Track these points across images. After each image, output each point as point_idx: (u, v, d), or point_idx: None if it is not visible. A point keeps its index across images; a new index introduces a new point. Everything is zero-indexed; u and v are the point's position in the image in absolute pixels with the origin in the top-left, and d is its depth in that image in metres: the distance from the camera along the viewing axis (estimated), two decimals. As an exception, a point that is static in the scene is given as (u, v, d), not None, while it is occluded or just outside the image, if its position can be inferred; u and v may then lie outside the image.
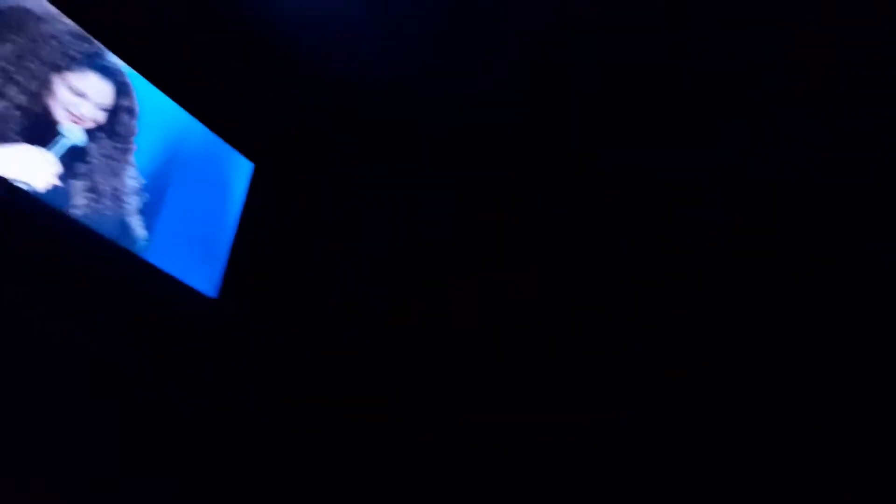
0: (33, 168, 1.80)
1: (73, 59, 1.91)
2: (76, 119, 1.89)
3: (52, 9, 1.86)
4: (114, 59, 2.01)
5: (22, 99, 1.78)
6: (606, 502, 2.04)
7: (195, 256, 2.14)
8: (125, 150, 2.01)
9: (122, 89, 2.01)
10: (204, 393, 2.02)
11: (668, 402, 2.34)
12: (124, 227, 1.99)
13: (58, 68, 1.87)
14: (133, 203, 2.01)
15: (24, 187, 1.79)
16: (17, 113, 1.77)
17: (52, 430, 1.73)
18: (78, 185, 1.89)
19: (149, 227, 2.04)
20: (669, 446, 2.19)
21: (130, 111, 2.03)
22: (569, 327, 2.56)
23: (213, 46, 2.31)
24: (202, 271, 2.13)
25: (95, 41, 1.96)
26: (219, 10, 2.25)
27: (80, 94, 1.91)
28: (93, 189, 1.92)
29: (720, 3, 2.00)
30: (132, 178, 2.02)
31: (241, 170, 2.34)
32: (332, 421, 2.11)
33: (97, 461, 1.77)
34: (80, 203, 1.89)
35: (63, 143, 1.86)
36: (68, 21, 1.89)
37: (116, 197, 1.98)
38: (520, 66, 2.30)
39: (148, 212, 2.04)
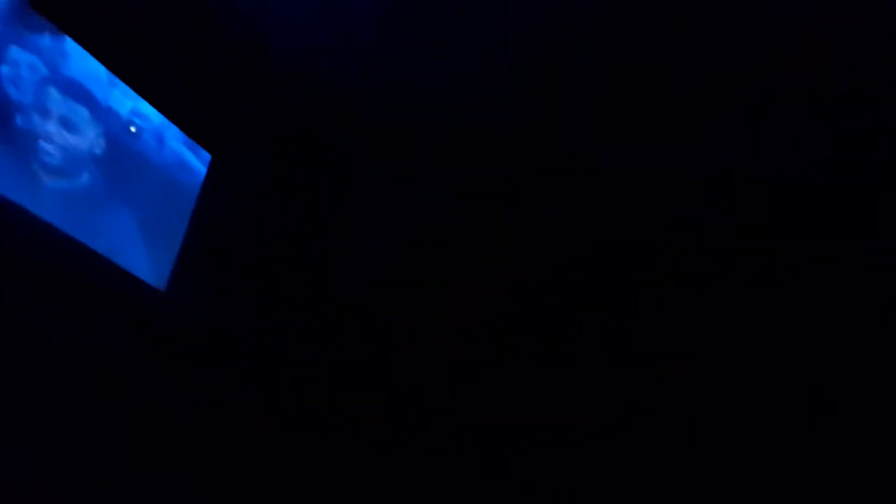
0: None
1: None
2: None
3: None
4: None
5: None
6: (606, 502, 2.04)
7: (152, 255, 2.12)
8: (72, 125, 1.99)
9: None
10: (204, 393, 2.02)
11: (668, 402, 2.34)
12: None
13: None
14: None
15: None
16: None
17: (52, 430, 1.73)
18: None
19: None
20: (669, 446, 2.19)
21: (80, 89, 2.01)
22: (569, 327, 2.56)
23: (210, 47, 2.30)
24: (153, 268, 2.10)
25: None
26: (217, 11, 2.24)
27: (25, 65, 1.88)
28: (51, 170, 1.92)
29: (720, 3, 2.00)
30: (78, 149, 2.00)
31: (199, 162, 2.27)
32: (332, 421, 2.11)
33: (97, 461, 1.77)
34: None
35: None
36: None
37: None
38: (520, 65, 2.30)
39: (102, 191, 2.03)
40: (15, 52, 1.86)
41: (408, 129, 2.59)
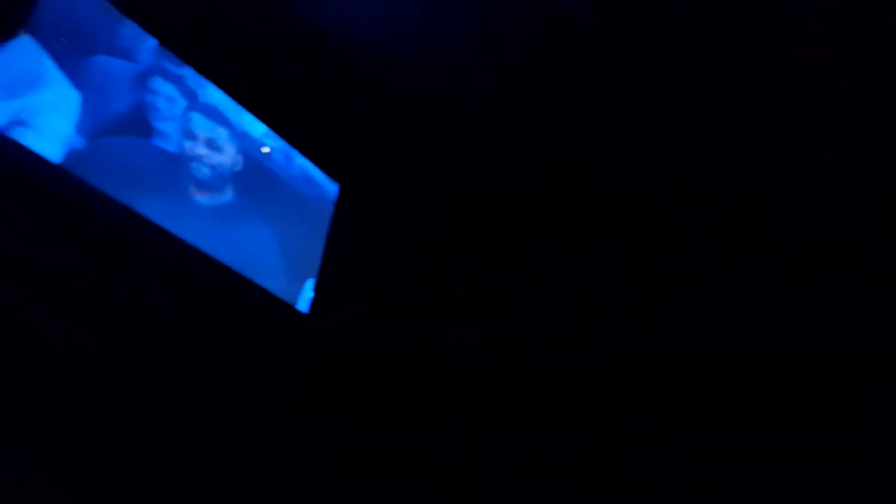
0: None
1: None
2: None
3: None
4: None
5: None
6: (606, 502, 2.04)
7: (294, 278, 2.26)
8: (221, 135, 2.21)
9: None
10: (204, 393, 2.02)
11: (668, 402, 2.34)
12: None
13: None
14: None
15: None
16: None
17: (52, 430, 1.73)
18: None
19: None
20: (669, 446, 2.19)
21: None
22: (569, 327, 2.56)
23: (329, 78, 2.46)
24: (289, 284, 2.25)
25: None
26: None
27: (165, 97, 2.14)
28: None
29: (720, 2, 2.01)
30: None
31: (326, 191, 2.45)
32: (332, 421, 2.11)
33: (97, 461, 1.77)
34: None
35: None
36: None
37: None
38: (520, 65, 2.31)
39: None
40: (159, 83, 2.09)
41: (411, 128, 2.60)
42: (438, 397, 2.23)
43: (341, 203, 2.40)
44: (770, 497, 2.07)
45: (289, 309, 2.13)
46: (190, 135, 2.11)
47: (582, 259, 2.63)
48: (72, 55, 1.91)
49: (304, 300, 2.21)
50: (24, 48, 1.82)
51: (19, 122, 1.80)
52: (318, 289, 2.27)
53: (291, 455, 2.03)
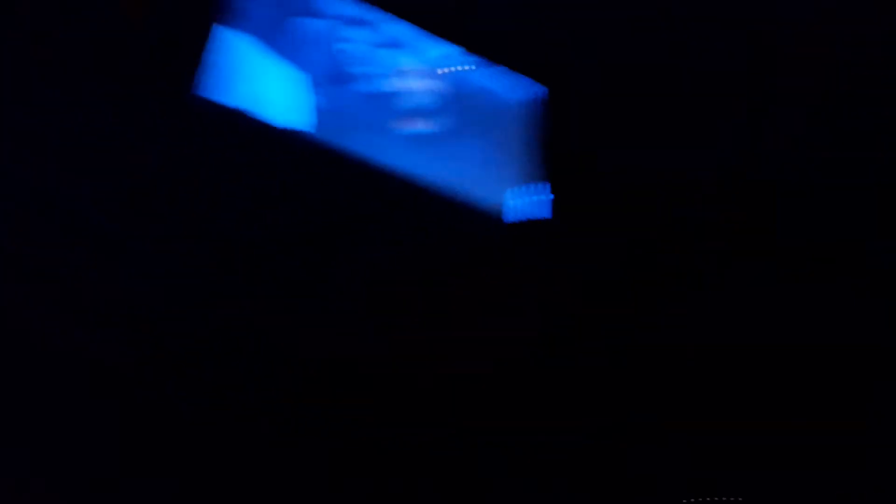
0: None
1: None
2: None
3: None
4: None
5: None
6: (606, 502, 2.04)
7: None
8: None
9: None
10: (204, 393, 2.02)
11: (668, 402, 2.34)
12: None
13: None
14: None
15: None
16: None
17: (52, 430, 1.73)
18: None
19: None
20: (669, 446, 2.19)
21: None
22: (569, 327, 2.56)
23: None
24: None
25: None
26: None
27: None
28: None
29: (720, 2, 2.01)
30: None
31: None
32: (332, 421, 2.11)
33: (97, 461, 1.78)
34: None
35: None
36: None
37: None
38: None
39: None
40: (345, 30, 2.18)
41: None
42: (438, 397, 2.23)
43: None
44: (770, 497, 2.07)
45: (494, 219, 2.12)
46: (386, 72, 2.17)
47: (582, 259, 2.63)
48: (268, 28, 2.06)
49: (509, 208, 2.17)
50: (229, 35, 2.00)
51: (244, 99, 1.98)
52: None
53: (291, 455, 2.03)
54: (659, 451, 2.18)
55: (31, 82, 2.19)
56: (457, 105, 2.23)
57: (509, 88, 2.33)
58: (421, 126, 2.15)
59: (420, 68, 2.20)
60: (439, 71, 2.25)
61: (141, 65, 2.03)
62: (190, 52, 1.99)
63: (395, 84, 2.15)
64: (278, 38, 2.05)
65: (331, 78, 2.09)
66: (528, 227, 2.37)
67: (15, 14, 1.85)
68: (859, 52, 1.99)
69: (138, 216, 2.12)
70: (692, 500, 2.05)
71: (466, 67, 2.27)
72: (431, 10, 2.27)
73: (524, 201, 2.19)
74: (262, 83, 2.00)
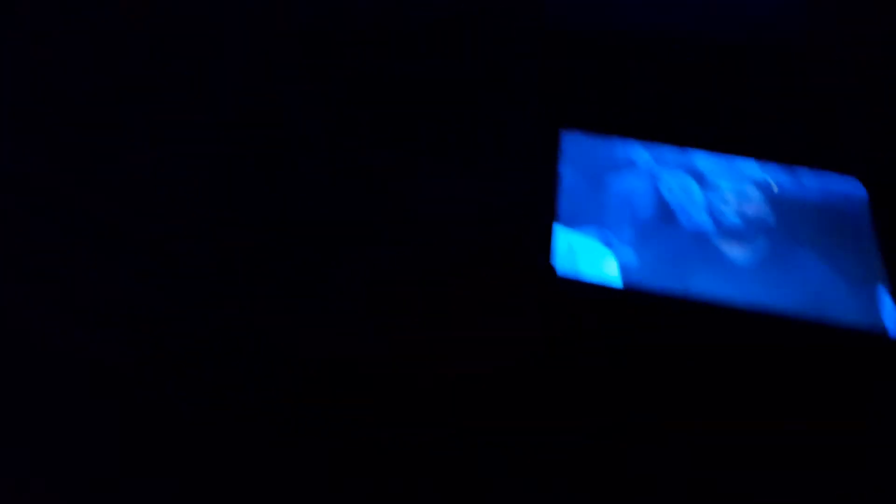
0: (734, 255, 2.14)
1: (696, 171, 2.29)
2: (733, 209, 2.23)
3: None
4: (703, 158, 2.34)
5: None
6: (606, 502, 2.04)
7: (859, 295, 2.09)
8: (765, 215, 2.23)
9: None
10: (204, 393, 2.02)
11: (668, 402, 2.34)
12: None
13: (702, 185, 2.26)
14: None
15: None
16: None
17: (52, 430, 1.73)
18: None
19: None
20: (669, 446, 2.19)
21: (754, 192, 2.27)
22: (570, 327, 2.55)
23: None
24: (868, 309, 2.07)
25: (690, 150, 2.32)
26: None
27: (723, 199, 2.25)
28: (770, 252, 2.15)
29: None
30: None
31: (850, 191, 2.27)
32: (332, 421, 2.11)
33: (97, 461, 1.77)
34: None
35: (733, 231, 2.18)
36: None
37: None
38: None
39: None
40: (662, 174, 2.26)
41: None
42: (438, 397, 2.23)
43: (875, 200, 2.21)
44: (770, 497, 2.07)
45: (877, 337, 1.97)
46: (709, 206, 2.20)
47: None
48: (593, 187, 2.20)
49: (889, 316, 2.01)
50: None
51: (574, 253, 2.11)
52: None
53: (291, 455, 2.03)
54: (659, 451, 2.17)
55: (31, 82, 2.19)
56: (786, 220, 2.19)
57: (829, 192, 2.25)
58: (752, 252, 2.13)
59: (739, 194, 2.21)
60: (756, 193, 2.24)
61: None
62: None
63: (720, 217, 2.17)
64: (606, 196, 2.17)
65: (658, 225, 2.14)
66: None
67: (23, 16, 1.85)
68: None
69: (138, 216, 2.12)
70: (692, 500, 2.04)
71: (777, 182, 2.25)
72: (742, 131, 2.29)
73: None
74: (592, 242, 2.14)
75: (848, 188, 2.22)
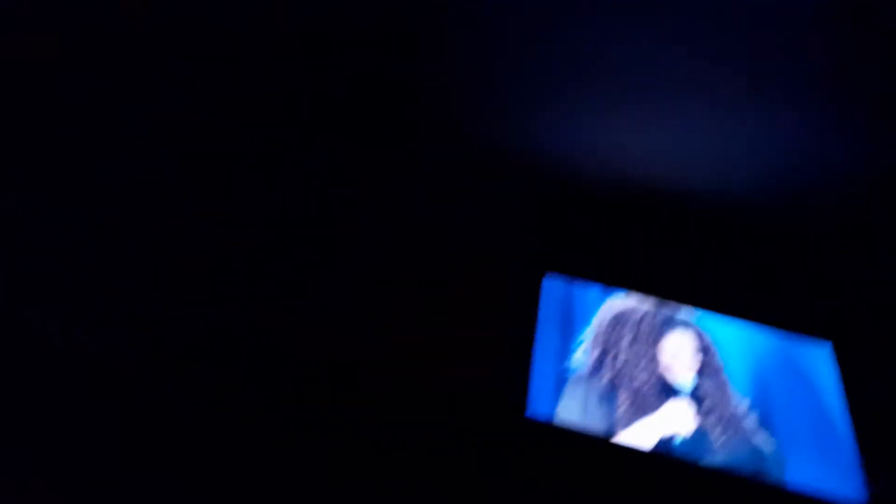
0: (681, 421, 2.17)
1: (659, 327, 2.34)
2: (681, 373, 2.25)
3: (633, 297, 2.40)
4: (680, 312, 2.38)
5: (643, 378, 2.24)
6: (606, 502, 2.04)
7: (826, 461, 2.10)
8: (723, 383, 2.24)
9: (698, 333, 2.34)
10: (204, 393, 2.02)
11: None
12: (753, 450, 2.12)
13: (655, 341, 2.31)
14: (750, 423, 2.16)
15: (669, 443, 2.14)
16: (645, 390, 2.23)
17: (52, 430, 1.73)
18: (708, 423, 2.16)
19: (773, 439, 2.14)
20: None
21: (709, 349, 2.31)
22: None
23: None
24: (839, 476, 2.08)
25: (666, 303, 2.39)
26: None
27: (675, 354, 2.29)
28: (718, 421, 2.16)
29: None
30: (739, 404, 2.20)
31: (819, 355, 2.30)
32: (332, 421, 2.11)
33: (97, 461, 1.77)
34: (716, 439, 2.14)
35: (683, 396, 2.20)
36: (646, 300, 2.39)
37: (736, 424, 2.17)
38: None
39: (764, 425, 2.17)
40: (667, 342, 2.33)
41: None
42: (437, 396, 2.23)
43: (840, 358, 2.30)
44: (770, 497, 2.07)
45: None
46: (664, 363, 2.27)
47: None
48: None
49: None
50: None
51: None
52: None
53: (291, 455, 2.03)
54: (659, 450, 2.17)
55: (32, 85, 2.19)
56: (751, 381, 2.25)
57: (797, 354, 2.31)
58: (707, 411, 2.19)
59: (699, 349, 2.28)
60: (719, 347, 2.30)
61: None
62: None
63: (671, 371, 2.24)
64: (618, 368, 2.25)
65: (656, 394, 2.20)
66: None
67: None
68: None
69: (139, 216, 2.12)
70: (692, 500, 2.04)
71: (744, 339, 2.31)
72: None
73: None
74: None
75: (817, 350, 2.30)
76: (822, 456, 2.09)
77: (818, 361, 2.28)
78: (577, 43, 1.90)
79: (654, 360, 2.26)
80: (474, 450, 2.12)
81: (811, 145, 2.02)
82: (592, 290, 2.41)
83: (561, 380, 2.25)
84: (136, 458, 1.82)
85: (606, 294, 2.39)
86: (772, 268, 2.43)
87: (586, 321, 2.34)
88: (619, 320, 2.35)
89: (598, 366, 2.26)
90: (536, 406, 2.20)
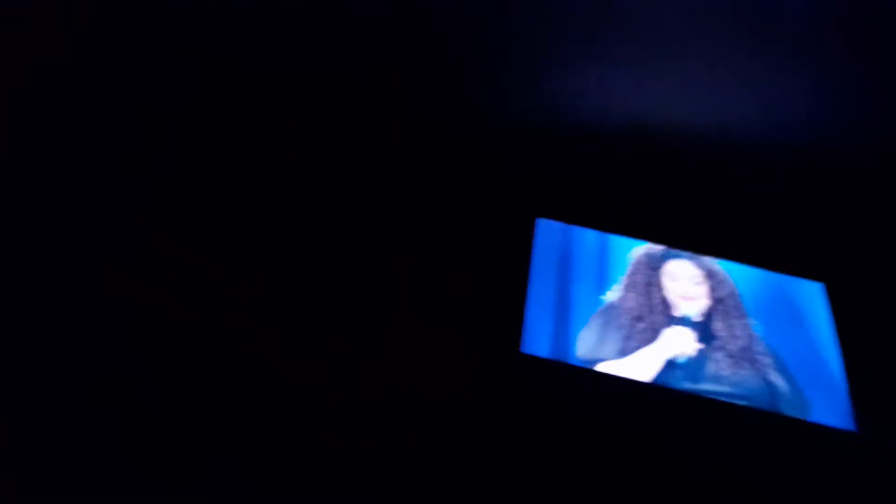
0: (678, 346, 2.17)
1: (660, 259, 2.38)
2: (686, 299, 2.25)
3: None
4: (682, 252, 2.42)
5: (643, 306, 2.26)
6: (606, 502, 2.04)
7: (825, 398, 2.16)
8: (742, 320, 2.24)
9: (709, 267, 2.36)
10: (203, 393, 2.02)
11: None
12: (770, 386, 2.13)
13: (654, 268, 2.34)
14: (769, 363, 2.16)
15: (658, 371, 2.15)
16: (642, 322, 2.23)
17: (52, 430, 1.74)
18: (716, 353, 2.14)
19: (787, 382, 2.17)
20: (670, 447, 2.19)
21: (724, 282, 2.32)
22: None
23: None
24: (834, 410, 2.15)
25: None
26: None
27: (675, 278, 2.29)
28: (730, 355, 2.13)
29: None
30: (758, 345, 2.20)
31: (813, 294, 2.36)
32: (332, 421, 2.11)
33: (97, 461, 1.78)
34: (723, 369, 2.13)
35: (686, 324, 2.20)
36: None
37: (752, 360, 2.15)
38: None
39: (780, 369, 2.18)
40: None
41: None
42: (437, 396, 2.23)
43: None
44: (770, 496, 2.07)
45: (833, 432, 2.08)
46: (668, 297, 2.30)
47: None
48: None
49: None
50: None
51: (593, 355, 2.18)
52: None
53: (291, 455, 2.03)
54: (659, 450, 2.18)
55: (33, 84, 2.19)
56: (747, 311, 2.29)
57: (788, 292, 2.35)
58: (705, 339, 2.20)
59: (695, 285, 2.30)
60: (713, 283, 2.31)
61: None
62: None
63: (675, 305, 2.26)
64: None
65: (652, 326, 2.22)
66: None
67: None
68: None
69: (139, 216, 2.12)
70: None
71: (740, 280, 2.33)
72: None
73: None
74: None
75: (810, 290, 2.35)
76: (818, 390, 2.15)
77: (812, 300, 2.33)
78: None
79: (660, 291, 2.29)
80: (474, 450, 2.13)
81: (809, 96, 2.04)
82: (588, 234, 2.47)
83: (560, 319, 2.28)
84: (136, 458, 1.82)
85: (603, 237, 2.45)
86: (765, 210, 2.46)
87: (589, 263, 2.39)
88: (639, 262, 2.39)
89: (620, 303, 2.30)
90: (531, 343, 2.23)
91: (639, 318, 2.21)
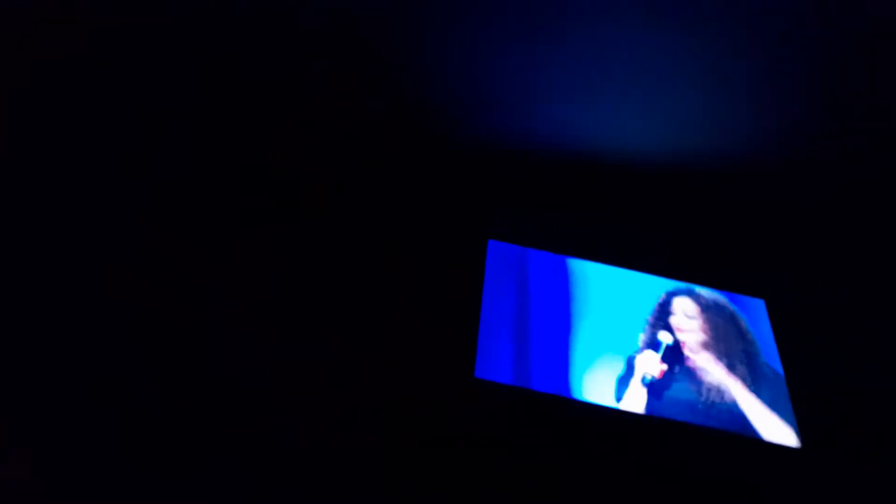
0: (648, 367, 2.29)
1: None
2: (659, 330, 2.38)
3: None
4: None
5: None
6: (606, 502, 2.04)
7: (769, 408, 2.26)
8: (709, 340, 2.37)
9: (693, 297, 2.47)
10: (203, 393, 2.02)
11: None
12: (732, 405, 2.25)
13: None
14: (733, 380, 2.29)
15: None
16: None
17: (53, 430, 1.73)
18: (681, 372, 2.27)
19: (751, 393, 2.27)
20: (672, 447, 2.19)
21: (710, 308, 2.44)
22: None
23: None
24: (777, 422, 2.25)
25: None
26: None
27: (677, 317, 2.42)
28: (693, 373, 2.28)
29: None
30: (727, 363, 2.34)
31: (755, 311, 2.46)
32: (332, 421, 2.11)
33: (97, 461, 1.78)
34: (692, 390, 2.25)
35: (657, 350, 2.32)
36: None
37: (719, 385, 2.29)
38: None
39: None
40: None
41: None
42: (436, 396, 2.23)
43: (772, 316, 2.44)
44: (770, 497, 2.07)
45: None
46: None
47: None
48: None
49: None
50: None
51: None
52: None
53: (291, 455, 2.03)
54: (659, 450, 2.18)
55: (34, 85, 2.19)
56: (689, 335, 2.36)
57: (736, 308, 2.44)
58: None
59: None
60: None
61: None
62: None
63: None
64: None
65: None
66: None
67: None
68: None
69: (139, 216, 2.12)
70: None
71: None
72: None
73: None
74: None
75: (751, 307, 2.43)
76: (767, 404, 2.25)
77: (755, 316, 2.43)
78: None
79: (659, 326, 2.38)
80: (474, 450, 2.13)
81: (751, 119, 2.09)
82: (542, 256, 2.52)
83: (518, 341, 2.32)
84: (136, 458, 1.82)
85: (556, 260, 2.49)
86: (710, 233, 2.51)
87: (539, 285, 2.44)
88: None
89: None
90: (484, 368, 2.24)
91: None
